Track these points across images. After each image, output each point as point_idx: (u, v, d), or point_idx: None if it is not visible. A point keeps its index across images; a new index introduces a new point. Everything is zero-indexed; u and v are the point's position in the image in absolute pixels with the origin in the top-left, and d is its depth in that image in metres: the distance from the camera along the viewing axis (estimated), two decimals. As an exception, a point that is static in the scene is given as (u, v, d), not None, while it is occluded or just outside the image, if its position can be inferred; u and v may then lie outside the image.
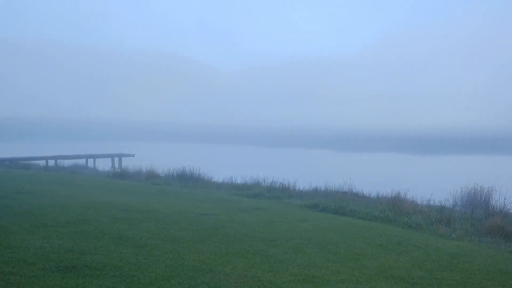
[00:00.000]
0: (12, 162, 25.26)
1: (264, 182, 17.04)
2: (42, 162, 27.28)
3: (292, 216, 10.61)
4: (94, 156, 30.61)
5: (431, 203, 13.68)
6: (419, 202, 13.53)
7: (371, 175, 28.92)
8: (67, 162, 27.64)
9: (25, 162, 26.27)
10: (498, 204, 12.89)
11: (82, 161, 29.35)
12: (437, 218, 11.01)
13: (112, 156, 31.45)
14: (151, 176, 19.20)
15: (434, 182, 23.06)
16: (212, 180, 19.17)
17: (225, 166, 29.41)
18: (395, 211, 11.53)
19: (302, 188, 16.49)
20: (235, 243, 7.28)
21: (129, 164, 23.64)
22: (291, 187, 16.42)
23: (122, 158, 31.39)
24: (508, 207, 12.72)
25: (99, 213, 9.10)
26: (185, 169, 19.24)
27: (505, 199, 12.89)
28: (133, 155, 32.15)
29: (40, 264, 5.47)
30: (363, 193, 15.50)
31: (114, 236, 7.17)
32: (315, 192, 15.61)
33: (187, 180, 18.12)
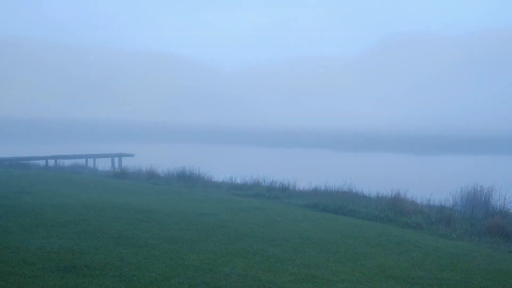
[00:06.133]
0: (12, 162, 25.24)
1: (264, 182, 17.01)
2: (42, 162, 27.27)
3: (292, 216, 10.61)
4: (94, 156, 30.59)
5: (431, 203, 13.68)
6: (419, 202, 13.52)
7: (371, 175, 28.89)
8: (67, 162, 27.63)
9: (25, 162, 26.25)
10: (498, 204, 12.90)
11: (82, 161, 29.32)
12: (437, 218, 11.01)
13: (112, 156, 31.42)
14: (151, 176, 19.19)
15: (434, 182, 23.04)
16: (212, 180, 19.14)
17: (225, 166, 29.39)
18: (395, 211, 11.53)
19: (302, 188, 16.47)
20: (235, 243, 7.28)
21: (129, 164, 23.63)
22: (291, 187, 16.40)
23: (122, 158, 31.35)
24: (508, 207, 12.72)
25: (99, 213, 9.10)
26: (185, 169, 19.21)
27: (505, 199, 12.89)
28: (133, 155, 32.10)
29: (40, 264, 5.47)
30: (363, 193, 15.48)
31: (114, 236, 7.17)
32: (315, 192, 15.58)
33: (187, 180, 18.10)
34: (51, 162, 27.05)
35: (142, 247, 6.60)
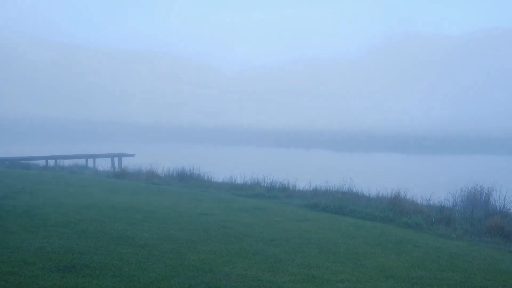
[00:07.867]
0: (12, 162, 25.23)
1: (264, 182, 17.01)
2: (42, 162, 27.24)
3: (292, 216, 10.61)
4: (94, 156, 30.56)
5: (431, 203, 13.69)
6: (419, 202, 13.52)
7: (371, 175, 28.88)
8: (67, 162, 27.61)
9: (25, 162, 26.23)
10: (498, 204, 12.90)
11: (82, 161, 29.29)
12: (437, 218, 11.01)
13: (112, 156, 31.40)
14: (151, 176, 19.18)
15: (434, 182, 23.04)
16: (212, 180, 19.14)
17: (225, 166, 29.37)
18: (395, 211, 11.53)
19: (302, 188, 16.47)
20: (235, 243, 7.28)
21: (129, 164, 23.61)
22: (291, 187, 16.40)
23: (122, 158, 31.34)
24: (508, 207, 12.73)
25: (99, 213, 9.11)
26: (185, 169, 19.22)
27: (505, 199, 12.90)
28: (133, 155, 32.09)
29: (40, 264, 5.48)
30: (363, 193, 15.47)
31: (114, 236, 7.17)
32: (315, 192, 15.58)
33: (187, 180, 18.10)
34: (51, 162, 27.02)
35: (142, 247, 6.60)
